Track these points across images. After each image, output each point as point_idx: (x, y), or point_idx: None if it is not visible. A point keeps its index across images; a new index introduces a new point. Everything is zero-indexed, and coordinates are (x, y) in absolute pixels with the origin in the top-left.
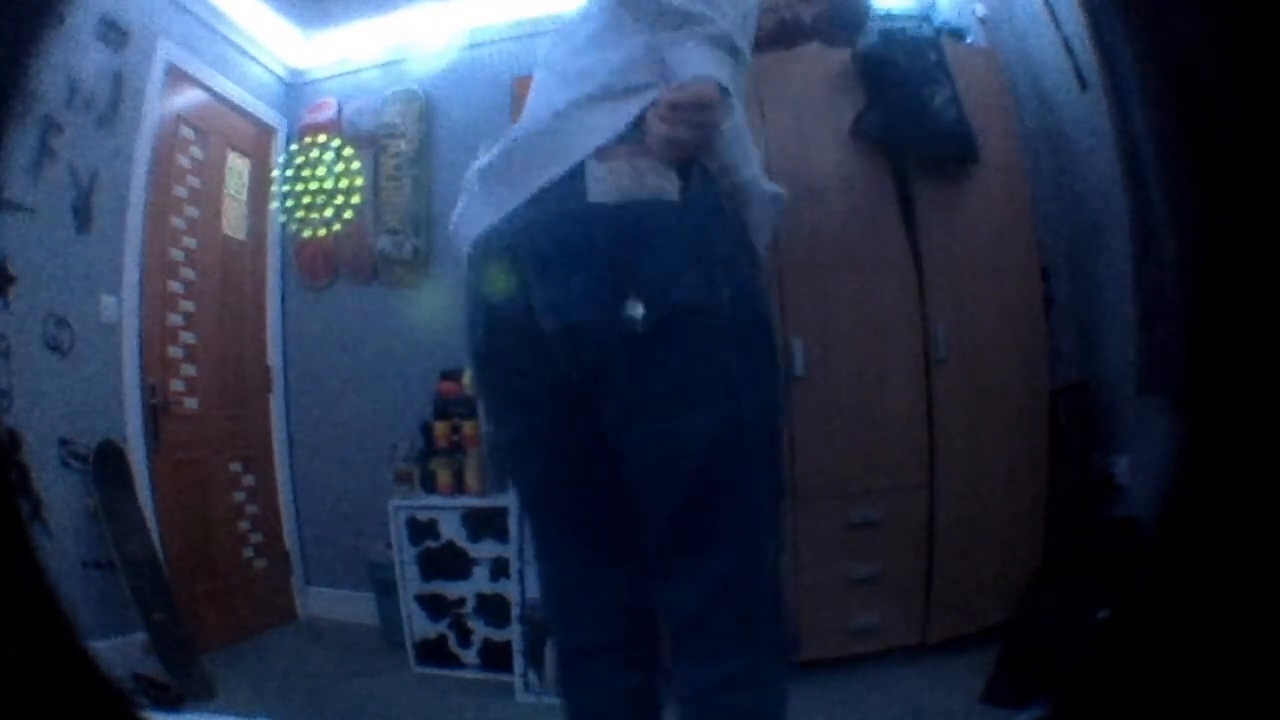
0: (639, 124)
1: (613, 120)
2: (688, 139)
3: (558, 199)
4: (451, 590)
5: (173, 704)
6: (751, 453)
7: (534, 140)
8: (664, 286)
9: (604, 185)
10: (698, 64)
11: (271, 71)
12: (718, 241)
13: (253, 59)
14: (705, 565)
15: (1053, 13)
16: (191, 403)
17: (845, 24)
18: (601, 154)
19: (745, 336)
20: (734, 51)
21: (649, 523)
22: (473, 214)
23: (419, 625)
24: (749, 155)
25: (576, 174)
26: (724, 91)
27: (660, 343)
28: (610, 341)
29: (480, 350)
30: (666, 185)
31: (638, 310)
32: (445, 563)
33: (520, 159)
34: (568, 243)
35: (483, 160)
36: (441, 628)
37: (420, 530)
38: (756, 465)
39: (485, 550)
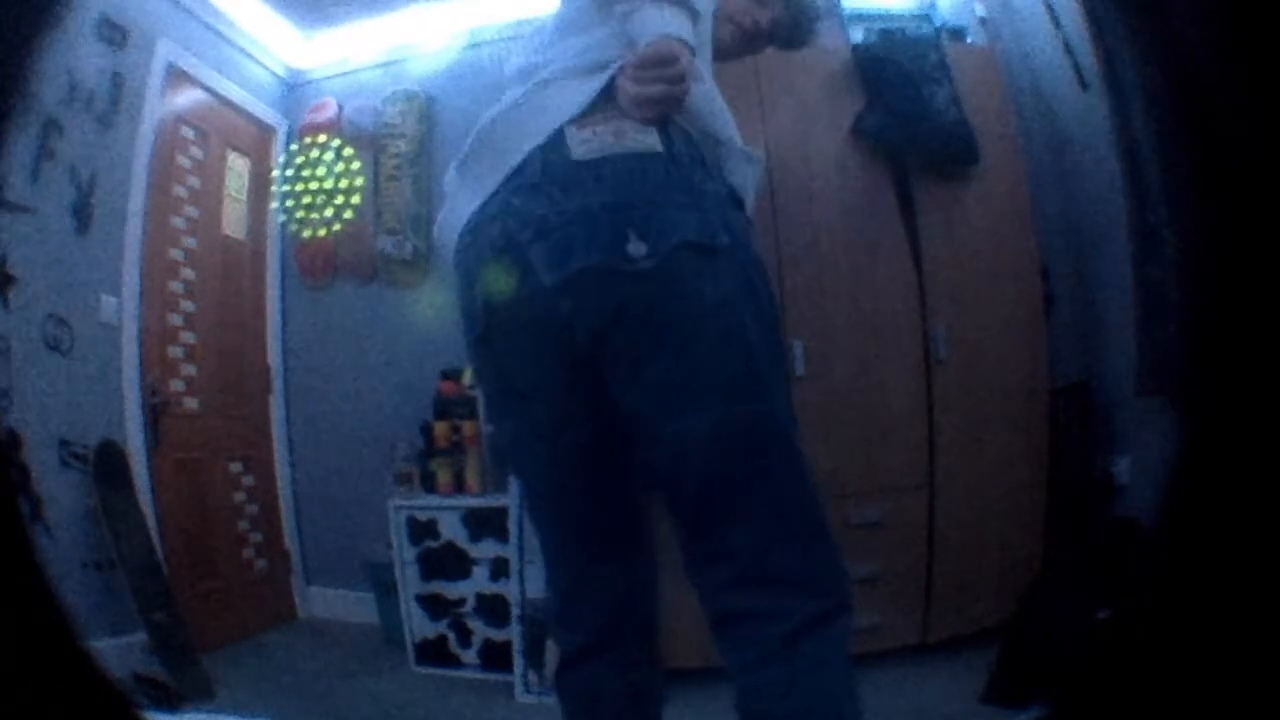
0: (610, 92)
1: (584, 91)
2: (659, 96)
3: (542, 165)
4: (451, 590)
5: (173, 704)
6: (776, 399)
7: (507, 119)
8: (664, 225)
9: (587, 146)
10: (659, 24)
11: (271, 71)
12: (708, 188)
13: (253, 59)
14: (743, 535)
15: (1053, 13)
16: (191, 403)
17: (800, 26)
18: (578, 122)
19: (749, 278)
20: (692, 12)
21: (676, 494)
22: (456, 208)
23: (419, 625)
24: (723, 115)
25: (556, 142)
26: (689, 45)
27: (666, 283)
28: (617, 285)
29: (480, 335)
30: (647, 139)
31: (640, 249)
32: (445, 563)
33: (496, 138)
34: (559, 198)
35: (459, 156)
36: (441, 628)
37: (420, 530)
38: (781, 415)
39: (485, 550)
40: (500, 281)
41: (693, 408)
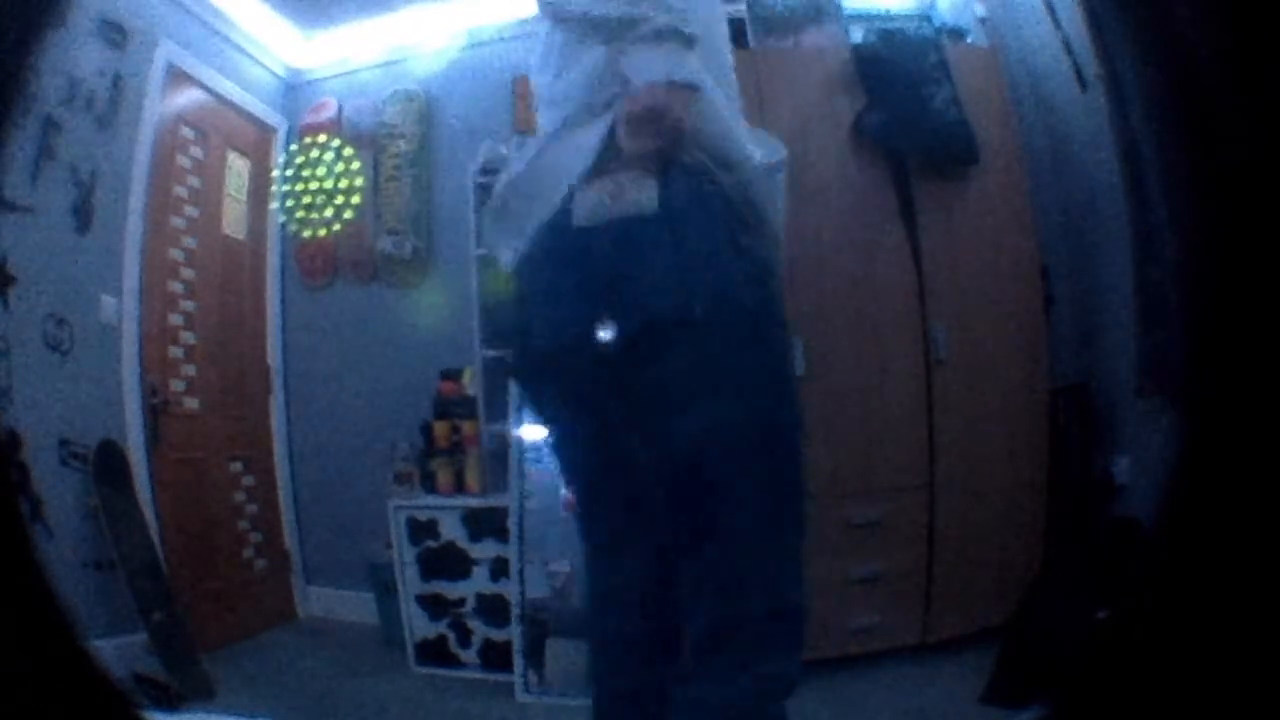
0: (612, 141)
1: (586, 145)
2: (655, 147)
3: (552, 231)
4: (451, 590)
5: (173, 704)
6: (750, 453)
7: (524, 183)
8: (632, 306)
9: (587, 209)
10: (646, 69)
11: (271, 71)
12: (697, 245)
13: (253, 59)
14: (703, 565)
15: (1053, 13)
16: (191, 403)
17: None
18: (586, 178)
19: (736, 336)
20: (684, 39)
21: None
22: (500, 246)
23: (419, 625)
24: (733, 137)
25: (567, 203)
26: (681, 85)
27: (641, 357)
28: (593, 357)
29: (515, 366)
30: (644, 198)
31: (609, 332)
32: (445, 563)
33: (517, 204)
34: (557, 273)
35: (492, 200)
36: (441, 628)
37: (420, 530)
38: (756, 466)
39: (485, 550)
40: (520, 334)
41: (663, 456)
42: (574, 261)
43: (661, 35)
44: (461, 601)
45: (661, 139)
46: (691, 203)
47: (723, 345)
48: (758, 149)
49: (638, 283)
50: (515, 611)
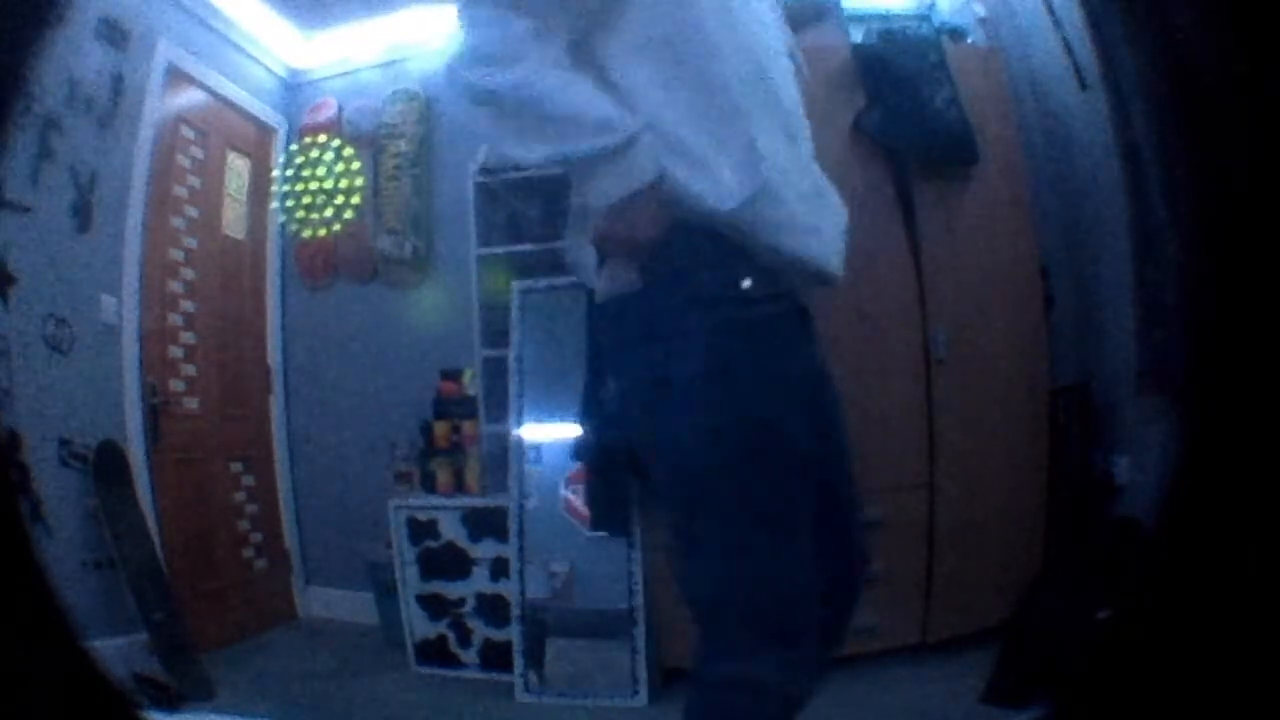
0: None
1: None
2: (629, 255)
3: (587, 306)
4: (451, 590)
5: (173, 704)
6: (707, 487)
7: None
8: (619, 368)
9: (599, 288)
10: (595, 196)
11: (271, 71)
12: (670, 318)
13: (253, 59)
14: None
15: (1053, 13)
16: (191, 403)
17: None
18: (600, 264)
19: (696, 401)
20: (622, 148)
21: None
22: None
23: (419, 625)
24: (697, 190)
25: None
26: (630, 199)
27: (625, 417)
28: (611, 407)
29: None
30: (630, 277)
31: (610, 390)
32: (445, 563)
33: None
34: (587, 342)
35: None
36: (441, 628)
37: (420, 530)
38: (712, 492)
39: (485, 550)
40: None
41: (665, 507)
42: (592, 331)
43: (595, 162)
44: (461, 601)
45: (634, 255)
46: (676, 264)
47: (691, 399)
48: (731, 189)
49: (619, 350)
50: (515, 611)
